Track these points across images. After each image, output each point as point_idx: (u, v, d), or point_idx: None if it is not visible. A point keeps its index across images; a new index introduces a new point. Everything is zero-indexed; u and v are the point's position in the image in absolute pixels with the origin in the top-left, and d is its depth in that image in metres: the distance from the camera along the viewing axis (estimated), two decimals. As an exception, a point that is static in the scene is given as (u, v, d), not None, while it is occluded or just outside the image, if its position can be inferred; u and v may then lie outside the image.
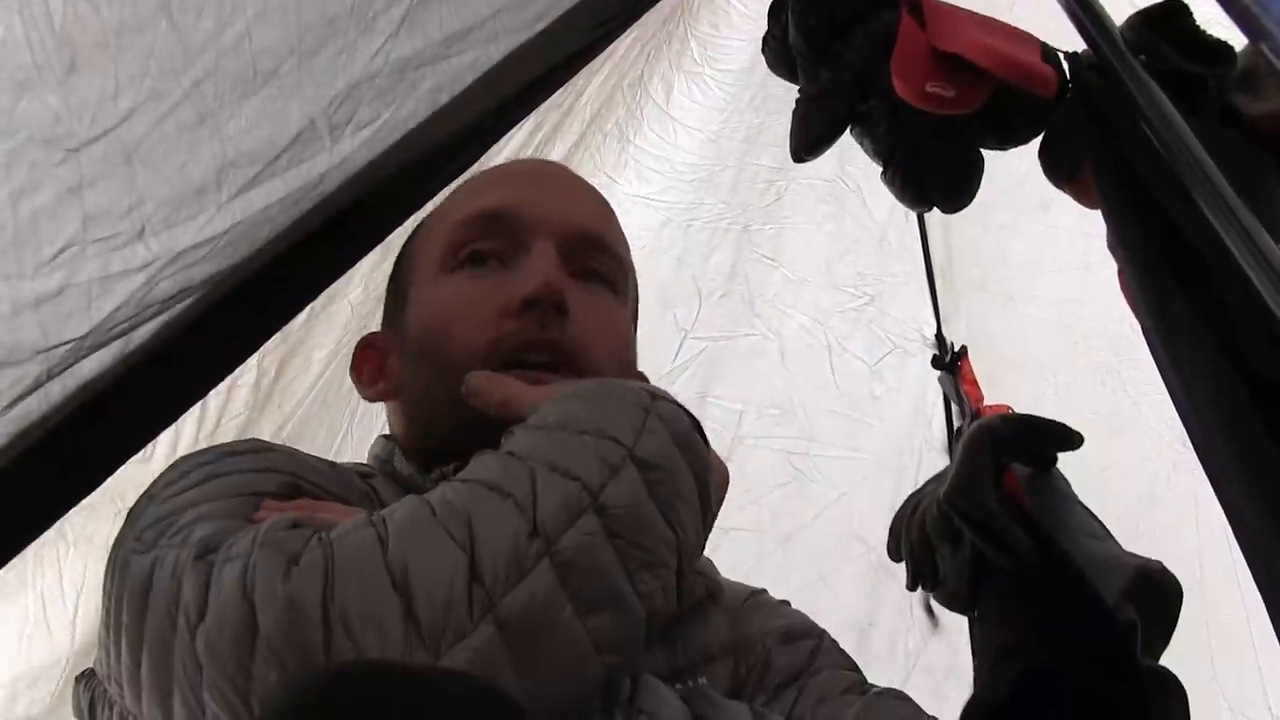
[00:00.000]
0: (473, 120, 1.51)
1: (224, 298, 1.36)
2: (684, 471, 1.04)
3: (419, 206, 1.51)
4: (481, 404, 1.17)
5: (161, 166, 1.26)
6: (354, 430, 2.13)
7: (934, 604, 2.61)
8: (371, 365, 1.44)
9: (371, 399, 1.46)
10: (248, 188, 1.32)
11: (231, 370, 1.61)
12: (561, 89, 1.82)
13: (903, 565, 1.68)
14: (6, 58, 1.16)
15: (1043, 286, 2.65)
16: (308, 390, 2.02)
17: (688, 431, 1.07)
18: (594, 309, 1.35)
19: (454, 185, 1.55)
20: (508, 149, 2.11)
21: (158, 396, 1.39)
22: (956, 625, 2.72)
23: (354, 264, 1.57)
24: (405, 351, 1.37)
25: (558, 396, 1.11)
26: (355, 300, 1.98)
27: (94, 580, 1.75)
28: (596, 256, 1.39)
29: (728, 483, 1.19)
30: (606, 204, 1.47)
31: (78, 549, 1.74)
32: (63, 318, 1.23)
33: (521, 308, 1.28)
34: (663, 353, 2.60)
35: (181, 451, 1.76)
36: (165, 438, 1.68)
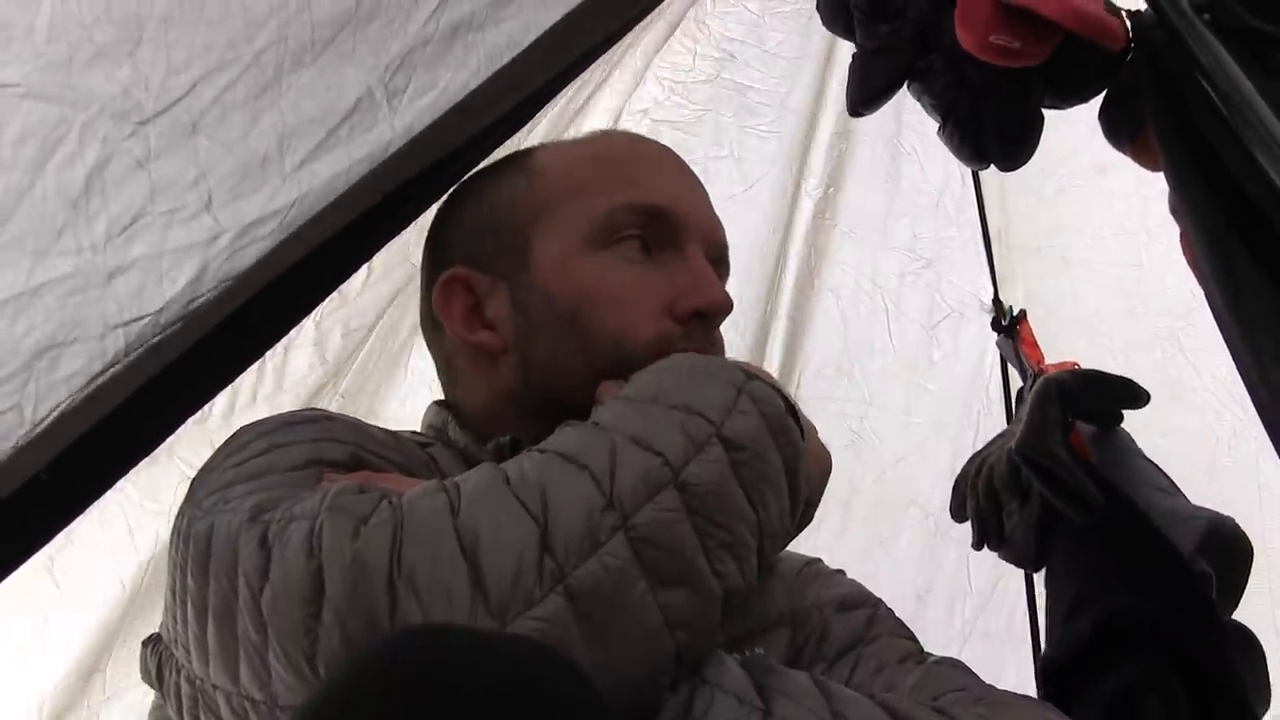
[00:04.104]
0: (537, 87, 1.50)
1: (290, 268, 1.37)
2: (773, 454, 1.04)
3: (473, 168, 1.51)
4: None
5: (225, 137, 1.27)
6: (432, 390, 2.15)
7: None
8: (462, 305, 1.39)
9: (469, 345, 1.39)
10: (311, 158, 1.32)
11: (289, 329, 1.63)
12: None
13: (962, 529, 1.68)
14: (75, 30, 1.18)
15: (1100, 251, 2.62)
16: (366, 349, 2.04)
17: (780, 414, 1.07)
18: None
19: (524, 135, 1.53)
20: (558, 105, 2.11)
21: (220, 360, 1.41)
22: (1014, 591, 2.71)
23: (406, 226, 1.57)
24: (535, 314, 1.34)
25: (655, 367, 1.12)
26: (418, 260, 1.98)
27: (157, 539, 1.79)
28: (721, 269, 1.41)
29: (830, 472, 1.20)
30: None
31: (145, 508, 1.76)
32: (136, 291, 1.23)
33: (687, 315, 1.30)
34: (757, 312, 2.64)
35: (240, 410, 1.78)
36: (222, 397, 1.70)
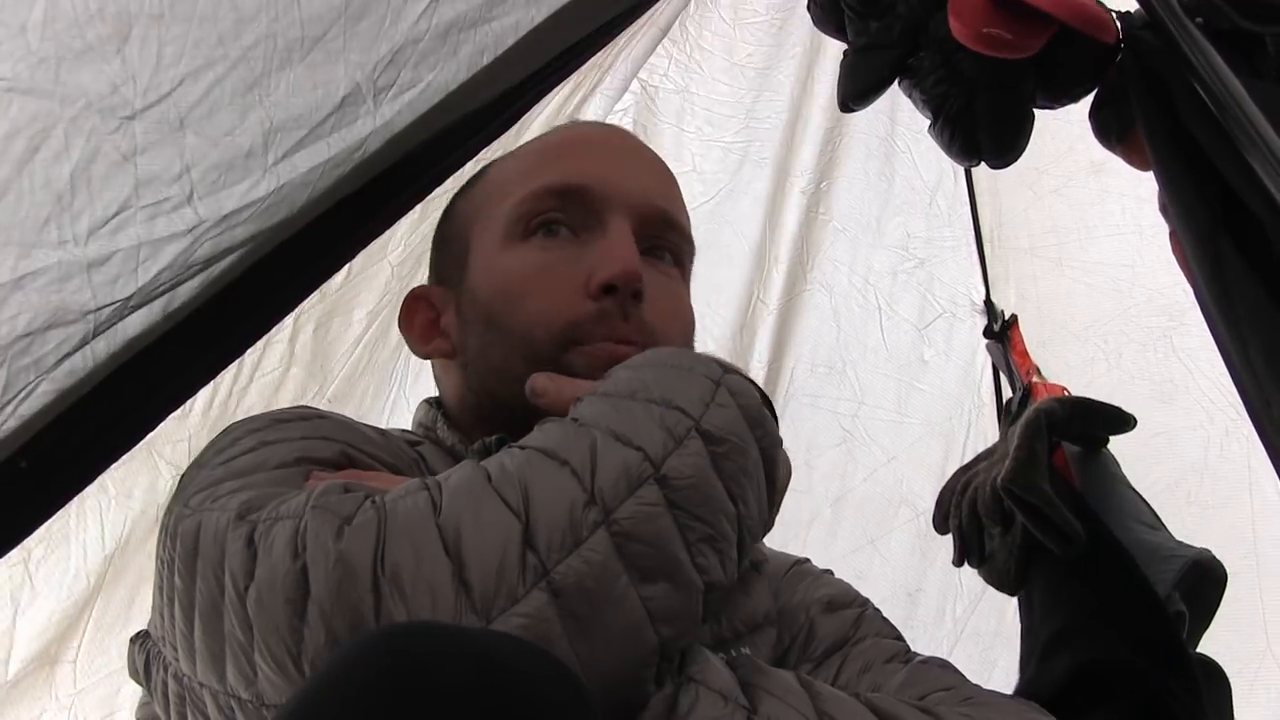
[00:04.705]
0: (515, 83, 1.51)
1: (265, 257, 1.37)
2: (751, 446, 1.04)
3: (460, 165, 1.51)
4: (547, 404, 1.14)
5: (211, 132, 1.28)
6: (407, 393, 2.15)
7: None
8: (423, 319, 1.43)
9: (424, 356, 1.44)
10: (293, 151, 1.33)
11: (271, 327, 1.64)
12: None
13: (948, 536, 1.68)
14: (66, 28, 1.18)
15: (1093, 251, 2.62)
16: (349, 350, 2.03)
17: (757, 407, 1.07)
18: (665, 291, 1.35)
19: (514, 137, 1.53)
20: (549, 107, 2.11)
21: (200, 353, 1.41)
22: (1005, 590, 2.71)
23: (393, 224, 1.58)
24: (467, 315, 1.36)
25: (631, 363, 1.11)
26: (395, 260, 1.98)
27: (128, 534, 1.79)
28: (667, 234, 1.38)
29: (790, 477, 1.19)
30: (673, 176, 1.46)
31: (118, 503, 1.76)
32: (111, 280, 1.25)
33: (600, 291, 1.27)
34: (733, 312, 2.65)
35: (217, 407, 1.78)
36: (202, 393, 1.70)
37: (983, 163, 1.69)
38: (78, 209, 1.21)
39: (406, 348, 1.46)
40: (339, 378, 2.03)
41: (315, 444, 1.14)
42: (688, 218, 1.44)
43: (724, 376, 1.07)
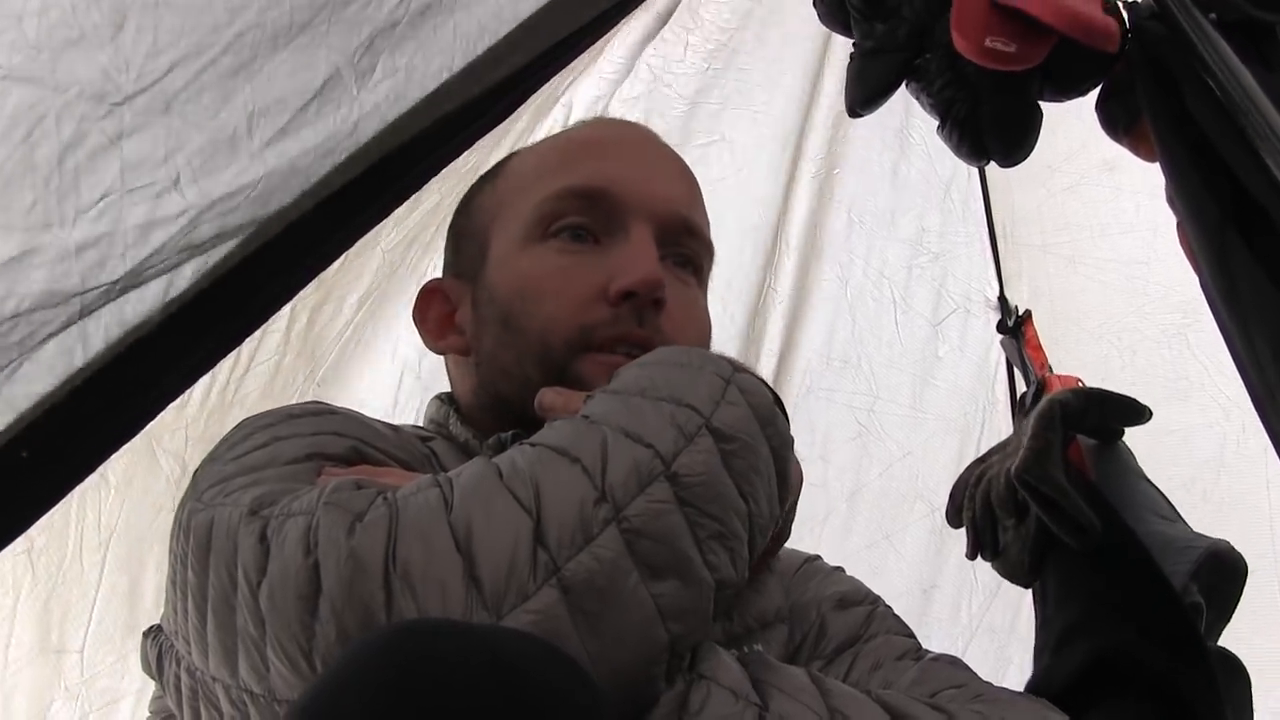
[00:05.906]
0: (509, 74, 1.51)
1: (263, 246, 1.38)
2: (761, 445, 1.04)
3: (455, 156, 1.51)
4: (555, 419, 1.13)
5: (196, 115, 1.29)
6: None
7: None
8: (438, 313, 1.43)
9: (438, 351, 1.44)
10: (279, 137, 1.34)
11: (269, 317, 1.65)
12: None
13: (962, 529, 1.67)
14: (62, 17, 1.19)
15: (1107, 248, 2.61)
16: (338, 335, 2.04)
17: (768, 406, 1.06)
18: (683, 299, 1.35)
19: (507, 130, 1.53)
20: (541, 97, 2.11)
21: (198, 342, 1.42)
22: (1020, 588, 2.71)
23: (390, 213, 1.58)
24: (483, 313, 1.36)
25: (641, 361, 1.11)
26: (386, 246, 1.98)
27: (127, 523, 1.80)
28: (688, 242, 1.38)
29: (802, 482, 1.18)
30: (695, 180, 1.45)
31: (118, 492, 1.77)
32: (100, 263, 1.25)
33: (619, 297, 1.27)
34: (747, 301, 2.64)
35: (215, 396, 1.78)
36: (200, 382, 1.71)
37: (991, 162, 1.69)
38: (64, 192, 1.22)
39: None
40: (327, 364, 2.04)
41: (327, 440, 1.14)
42: (708, 223, 1.43)
43: (734, 375, 1.07)
